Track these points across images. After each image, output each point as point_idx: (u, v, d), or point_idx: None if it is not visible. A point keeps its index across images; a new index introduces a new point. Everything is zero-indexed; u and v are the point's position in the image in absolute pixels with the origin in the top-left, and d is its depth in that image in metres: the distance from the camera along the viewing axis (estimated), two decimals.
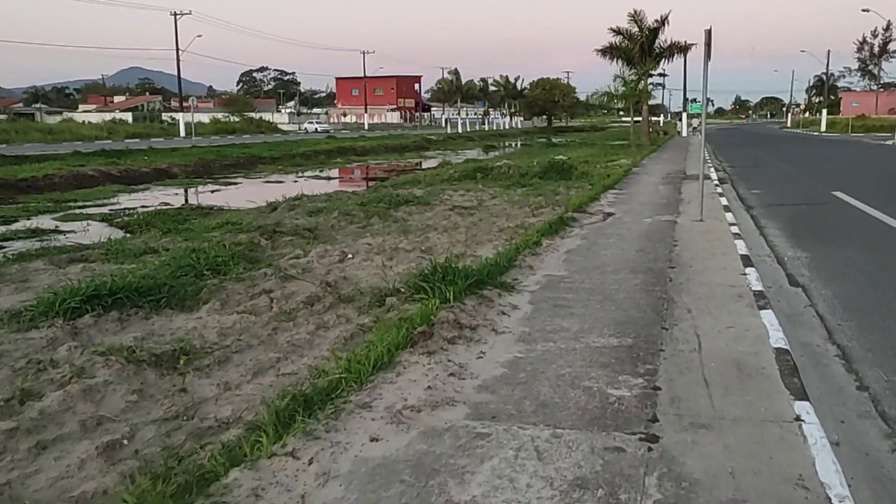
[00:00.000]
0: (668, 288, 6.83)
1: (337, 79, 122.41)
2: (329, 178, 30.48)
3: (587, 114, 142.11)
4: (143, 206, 18.82)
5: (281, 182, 28.68)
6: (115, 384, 4.35)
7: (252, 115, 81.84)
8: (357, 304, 6.42)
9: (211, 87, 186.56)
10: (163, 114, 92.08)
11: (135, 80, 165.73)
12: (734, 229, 10.36)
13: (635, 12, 38.13)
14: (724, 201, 13.99)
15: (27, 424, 3.76)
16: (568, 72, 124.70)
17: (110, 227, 15.35)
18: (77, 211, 18.03)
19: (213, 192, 25.25)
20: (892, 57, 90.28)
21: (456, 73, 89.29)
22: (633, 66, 37.07)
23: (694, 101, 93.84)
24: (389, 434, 3.67)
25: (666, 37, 38.85)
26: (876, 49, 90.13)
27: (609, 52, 38.41)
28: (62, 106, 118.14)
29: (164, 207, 18.07)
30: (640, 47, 37.41)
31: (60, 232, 14.82)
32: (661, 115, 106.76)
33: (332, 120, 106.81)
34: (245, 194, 24.33)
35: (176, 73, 65.61)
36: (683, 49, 39.77)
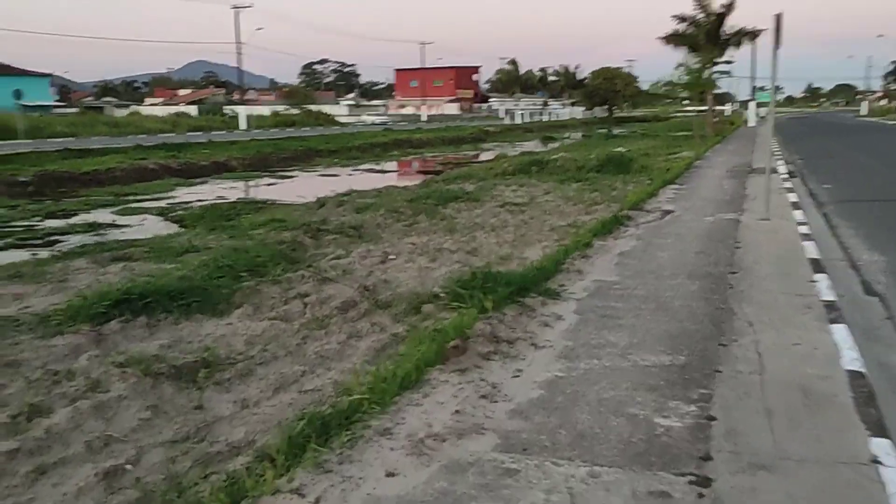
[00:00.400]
0: (727, 296, 6.30)
1: (396, 70, 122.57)
2: (384, 172, 30.40)
3: (650, 103, 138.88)
4: (199, 200, 18.98)
5: (336, 175, 28.71)
6: (130, 399, 4.15)
7: (311, 107, 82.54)
8: (393, 310, 6.12)
9: (273, 79, 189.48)
10: (224, 107, 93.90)
11: (201, 73, 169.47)
12: (803, 229, 9.65)
13: None
14: (792, 197, 13.17)
15: (31, 444, 3.58)
16: (630, 60, 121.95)
17: (165, 221, 15.52)
18: (135, 205, 18.33)
19: (269, 185, 25.44)
20: None
21: (514, 63, 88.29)
22: (697, 53, 35.74)
23: (762, 89, 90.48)
24: (408, 468, 3.34)
25: (733, 22, 37.40)
26: None
27: (673, 39, 37.12)
28: (130, 99, 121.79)
29: (218, 202, 18.21)
30: (706, 34, 36.02)
31: (117, 226, 15.03)
32: (728, 105, 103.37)
33: (390, 112, 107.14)
34: (299, 188, 24.39)
35: (234, 65, 66.58)
36: (752, 35, 38.15)
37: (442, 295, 6.24)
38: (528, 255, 8.46)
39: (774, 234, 9.34)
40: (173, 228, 13.95)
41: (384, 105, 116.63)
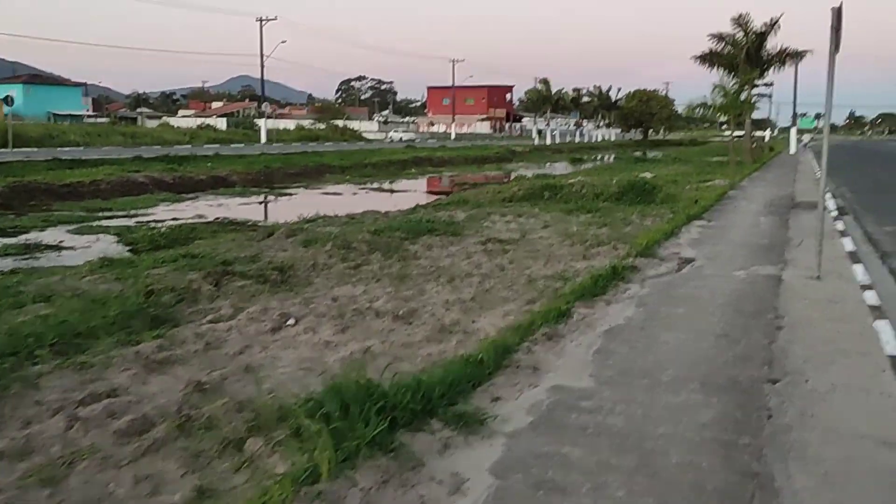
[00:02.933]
0: (762, 438, 3.78)
1: (428, 88, 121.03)
2: (392, 191, 28.27)
3: (687, 126, 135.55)
4: (175, 219, 17.07)
5: (339, 194, 26.74)
6: None
7: (338, 122, 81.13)
8: (207, 440, 3.73)
9: (310, 94, 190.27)
10: (254, 120, 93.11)
11: (241, 87, 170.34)
12: (870, 297, 7.04)
13: (740, 15, 34.01)
14: (847, 244, 10.52)
15: None
16: (667, 83, 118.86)
17: (119, 243, 13.51)
18: (102, 223, 16.40)
19: (261, 203, 23.45)
20: None
21: (546, 82, 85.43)
22: (735, 74, 32.97)
23: (804, 115, 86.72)
24: None
25: (776, 42, 34.58)
26: None
27: (709, 58, 34.41)
28: (167, 111, 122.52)
29: (192, 222, 16.13)
30: (746, 53, 33.25)
31: (60, 248, 13.10)
32: (768, 130, 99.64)
33: (420, 129, 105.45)
34: (291, 207, 22.55)
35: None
36: (795, 56, 35.28)
37: (296, 413, 3.81)
38: (479, 327, 6.02)
39: (831, 304, 6.75)
40: (124, 252, 11.99)
41: (413, 122, 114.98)
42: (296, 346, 5.57)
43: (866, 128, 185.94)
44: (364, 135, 78.71)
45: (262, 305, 6.64)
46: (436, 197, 23.46)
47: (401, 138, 74.56)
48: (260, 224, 15.83)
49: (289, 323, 6.12)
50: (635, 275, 8.01)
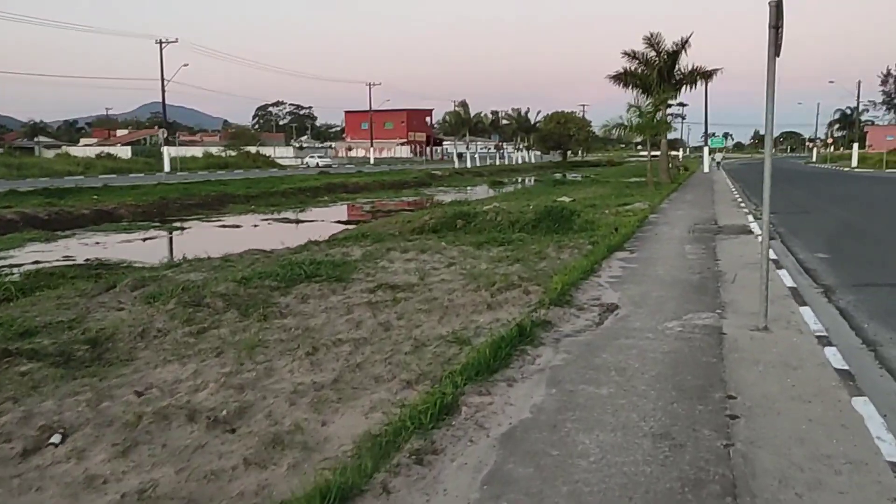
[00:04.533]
0: None
1: (346, 112, 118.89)
2: (298, 222, 26.28)
3: (605, 147, 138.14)
4: (36, 262, 14.68)
5: (238, 227, 24.64)
6: None
7: (250, 148, 78.24)
8: None
9: (226, 120, 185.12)
10: (162, 148, 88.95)
11: (152, 114, 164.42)
12: (833, 356, 5.65)
13: (651, 35, 33.67)
14: (785, 277, 9.28)
15: None
16: (584, 105, 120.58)
17: None
18: None
19: (145, 239, 21.04)
20: None
21: (464, 104, 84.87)
22: (649, 94, 32.56)
23: (713, 135, 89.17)
24: None
25: (687, 61, 34.40)
26: None
27: (623, 78, 33.91)
28: (69, 140, 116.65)
29: (54, 265, 13.82)
30: (658, 73, 32.89)
31: None
32: (681, 150, 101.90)
33: (339, 154, 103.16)
34: (179, 244, 20.45)
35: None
36: (706, 75, 35.24)
37: None
38: (328, 434, 4.28)
39: (790, 371, 5.30)
40: None
41: (331, 147, 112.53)
42: (42, 486, 3.69)
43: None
44: (278, 161, 75.94)
45: (27, 409, 4.70)
46: (343, 228, 21.71)
47: (317, 164, 72.27)
48: (136, 265, 13.74)
49: (52, 441, 4.22)
50: (548, 333, 6.43)
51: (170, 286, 8.87)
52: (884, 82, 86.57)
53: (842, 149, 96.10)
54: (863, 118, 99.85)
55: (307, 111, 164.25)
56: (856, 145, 72.48)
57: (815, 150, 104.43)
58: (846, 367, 5.34)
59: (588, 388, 4.93)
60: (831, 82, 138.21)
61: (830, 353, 5.75)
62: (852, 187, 33.65)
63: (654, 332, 6.46)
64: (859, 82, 73.94)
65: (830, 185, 34.84)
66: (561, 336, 6.35)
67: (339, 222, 25.38)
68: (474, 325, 6.98)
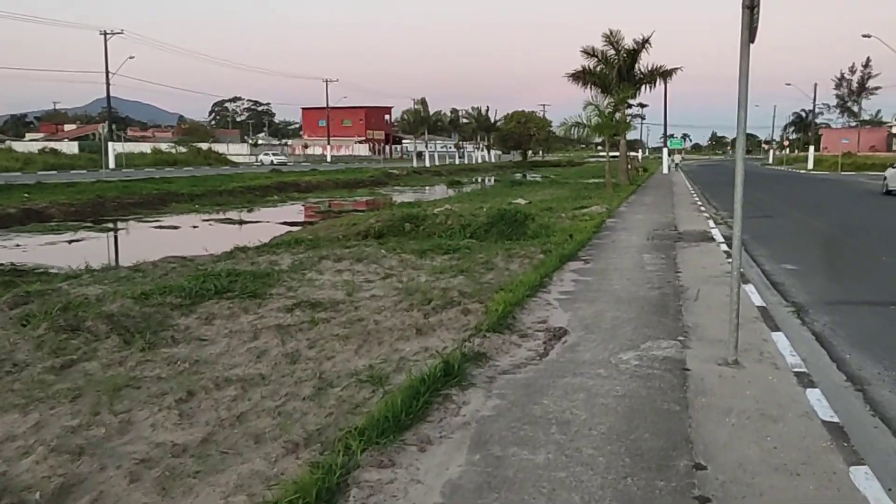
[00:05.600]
0: None
1: (303, 109, 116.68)
2: (241, 223, 24.96)
3: (565, 148, 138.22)
4: None
5: (176, 227, 23.26)
6: None
7: (201, 145, 75.91)
8: None
9: (181, 116, 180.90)
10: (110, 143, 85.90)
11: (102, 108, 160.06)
12: (817, 403, 4.70)
13: (611, 32, 32.98)
14: (753, 294, 8.38)
15: None
16: (544, 105, 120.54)
17: None
18: None
19: (71, 241, 19.49)
20: (871, 94, 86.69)
21: (423, 102, 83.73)
22: (609, 93, 31.82)
23: (672, 136, 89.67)
24: None
25: (647, 62, 33.78)
26: (854, 86, 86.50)
27: (582, 76, 33.12)
28: (16, 135, 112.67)
29: None
30: (618, 71, 32.19)
31: None
32: (640, 151, 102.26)
33: (295, 152, 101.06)
34: (107, 247, 19.12)
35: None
36: (666, 74, 34.70)
37: None
38: None
39: (770, 426, 4.32)
40: None
41: (287, 144, 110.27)
42: None
43: (728, 147, 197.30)
44: (231, 158, 73.73)
45: None
46: (287, 230, 20.44)
47: (271, 161, 70.44)
48: (52, 271, 12.48)
49: None
50: (481, 369, 5.37)
51: (54, 304, 7.59)
52: (838, 86, 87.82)
53: (797, 151, 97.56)
54: (818, 121, 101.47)
55: (265, 108, 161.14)
56: (811, 148, 73.25)
57: (770, 152, 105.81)
58: (835, 420, 4.38)
59: (521, 453, 3.88)
60: (788, 85, 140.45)
61: (814, 397, 4.79)
62: (811, 190, 33.45)
63: (606, 368, 5.45)
64: (815, 85, 74.45)
65: (790, 188, 34.60)
66: (496, 374, 5.29)
67: (283, 223, 24.08)
68: (397, 357, 5.89)
